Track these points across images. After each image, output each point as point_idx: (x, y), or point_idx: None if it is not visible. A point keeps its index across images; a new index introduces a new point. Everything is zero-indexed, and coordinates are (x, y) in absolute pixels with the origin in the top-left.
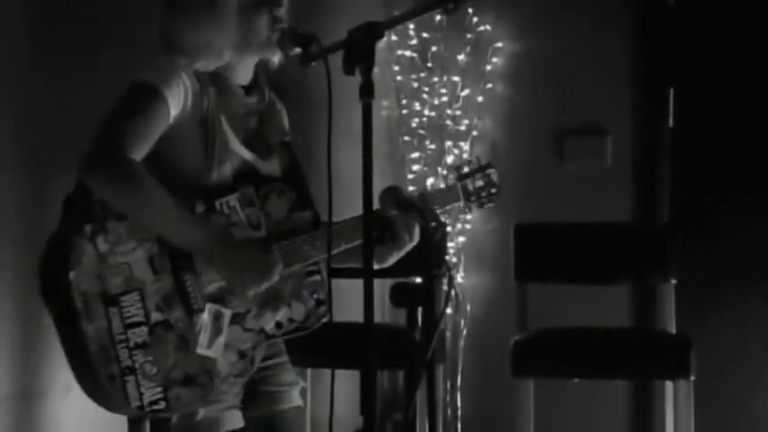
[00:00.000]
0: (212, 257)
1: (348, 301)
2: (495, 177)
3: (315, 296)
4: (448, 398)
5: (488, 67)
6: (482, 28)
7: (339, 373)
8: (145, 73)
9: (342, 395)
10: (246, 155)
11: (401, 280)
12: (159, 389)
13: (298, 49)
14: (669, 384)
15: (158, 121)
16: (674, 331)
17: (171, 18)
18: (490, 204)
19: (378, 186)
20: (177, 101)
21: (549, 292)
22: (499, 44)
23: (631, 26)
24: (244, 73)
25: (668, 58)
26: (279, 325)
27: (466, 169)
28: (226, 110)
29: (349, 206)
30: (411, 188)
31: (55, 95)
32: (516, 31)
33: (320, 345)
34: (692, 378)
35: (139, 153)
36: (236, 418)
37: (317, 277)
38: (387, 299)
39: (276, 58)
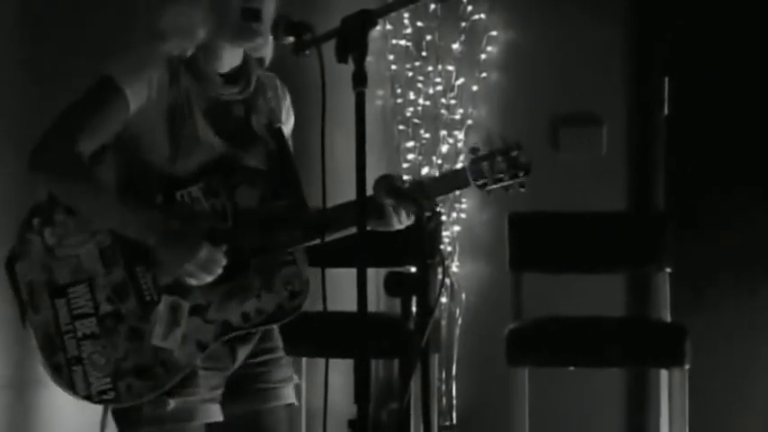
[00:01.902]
0: (152, 243)
1: (342, 291)
2: (523, 159)
3: (289, 288)
4: (443, 387)
5: (483, 56)
6: (477, 17)
7: (333, 362)
8: (110, 66)
9: (336, 384)
10: (219, 146)
11: (395, 269)
12: (107, 379)
13: (291, 38)
14: (664, 373)
15: (113, 116)
16: (668, 320)
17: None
18: (522, 189)
19: (372, 176)
20: (139, 95)
21: (544, 281)
22: (494, 33)
23: (626, 14)
24: (225, 60)
25: (663, 46)
26: (246, 317)
27: (483, 151)
28: (201, 98)
29: (343, 195)
30: (406, 177)
31: (47, 94)
32: (511, 20)
33: (314, 334)
34: (687, 366)
35: (89, 145)
36: (213, 412)
37: (293, 267)
38: (381, 288)
39: (269, 52)
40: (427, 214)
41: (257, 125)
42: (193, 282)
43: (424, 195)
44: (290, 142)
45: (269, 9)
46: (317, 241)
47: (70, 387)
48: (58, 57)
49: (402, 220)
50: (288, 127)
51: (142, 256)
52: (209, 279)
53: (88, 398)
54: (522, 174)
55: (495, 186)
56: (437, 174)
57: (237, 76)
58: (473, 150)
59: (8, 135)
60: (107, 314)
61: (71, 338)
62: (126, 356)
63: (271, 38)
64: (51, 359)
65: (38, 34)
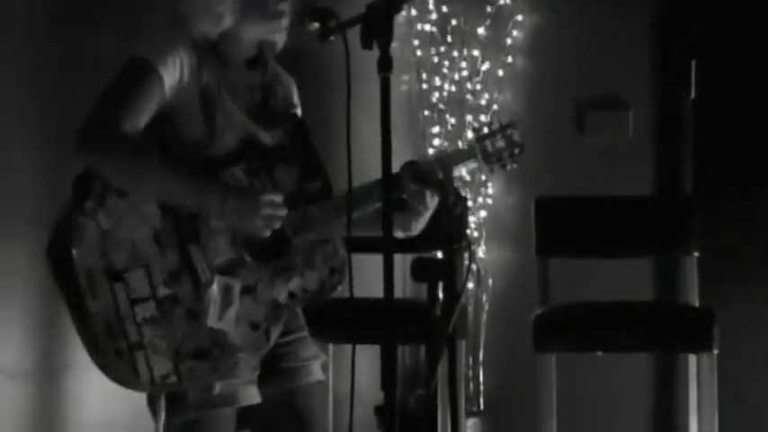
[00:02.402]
0: (217, 212)
1: (368, 276)
2: (516, 137)
3: (328, 264)
4: (470, 373)
5: (509, 41)
6: (502, 1)
7: (360, 348)
8: (140, 48)
9: (363, 370)
10: (251, 127)
11: (422, 254)
12: (170, 363)
13: (316, 24)
14: (692, 358)
15: (151, 95)
16: (697, 304)
17: None
18: (514, 165)
19: (398, 162)
20: (172, 75)
21: (570, 265)
22: (519, 17)
23: None
24: (245, 47)
25: (690, 29)
26: (292, 295)
27: (485, 130)
28: (227, 82)
29: (369, 180)
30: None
31: (72, 76)
32: (536, 4)
33: (341, 320)
34: (716, 351)
35: (133, 126)
36: (253, 394)
37: (330, 246)
38: (408, 273)
39: (280, 40)
40: (452, 198)
41: (275, 109)
42: (266, 232)
43: (448, 178)
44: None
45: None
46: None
47: (133, 372)
48: (81, 38)
49: (427, 204)
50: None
51: (195, 237)
52: (277, 225)
53: (151, 382)
54: (517, 150)
55: (497, 164)
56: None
57: (255, 62)
58: (476, 130)
59: (34, 117)
60: (165, 297)
61: (131, 324)
62: (185, 339)
63: (285, 22)
64: (113, 345)
65: (66, 37)
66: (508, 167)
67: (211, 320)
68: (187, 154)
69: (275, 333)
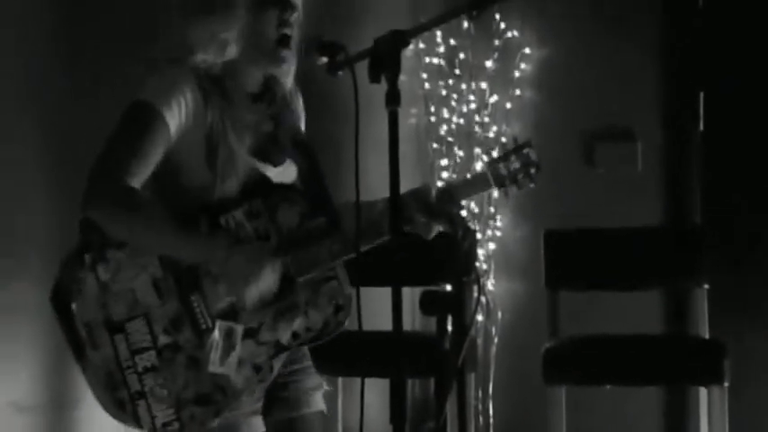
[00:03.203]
0: (213, 265)
1: (377, 309)
2: (533, 156)
3: (333, 302)
4: (480, 405)
5: (517, 74)
6: (510, 34)
7: (369, 381)
8: (143, 91)
9: (372, 403)
10: (256, 164)
11: (431, 288)
12: (171, 410)
13: (324, 58)
14: (703, 391)
15: (158, 144)
16: (707, 337)
17: (178, 11)
18: (531, 185)
19: None
20: (177, 118)
21: (580, 298)
22: (527, 50)
23: (660, 30)
24: (251, 80)
25: (698, 61)
26: (295, 335)
27: (498, 153)
28: (232, 119)
29: None
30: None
31: (85, 107)
32: (544, 37)
33: (350, 353)
34: (726, 384)
35: (140, 176)
36: (256, 425)
37: (335, 283)
38: (416, 306)
39: (288, 81)
40: (460, 232)
41: (284, 140)
42: (248, 314)
43: (456, 213)
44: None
45: (295, 35)
46: (354, 254)
47: (135, 421)
48: (95, 67)
49: (431, 229)
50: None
51: (195, 285)
52: (262, 298)
53: (153, 430)
54: (533, 170)
55: (513, 186)
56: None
57: (262, 94)
58: (487, 153)
59: (47, 146)
60: (165, 346)
61: (132, 373)
62: (186, 386)
63: (292, 69)
64: (114, 395)
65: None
66: (524, 188)
67: (213, 366)
68: (188, 198)
69: (278, 365)
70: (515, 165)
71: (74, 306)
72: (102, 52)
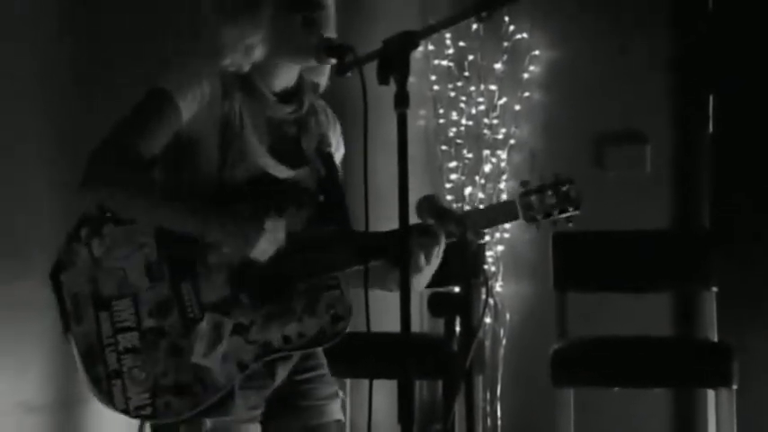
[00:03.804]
0: (212, 234)
1: (386, 311)
2: (573, 194)
3: (331, 311)
4: (488, 407)
5: (525, 76)
6: (519, 36)
7: (377, 382)
8: (166, 79)
9: (380, 405)
10: (269, 162)
11: (439, 289)
12: (146, 395)
13: (333, 60)
14: (711, 393)
15: (165, 127)
16: (715, 339)
17: (208, 15)
18: (570, 225)
19: (415, 196)
20: (190, 107)
21: (588, 300)
22: (536, 52)
23: (669, 32)
24: (280, 80)
25: (707, 63)
26: (287, 339)
27: (533, 184)
28: (253, 115)
29: (386, 216)
30: (449, 197)
31: (90, 105)
32: (553, 39)
33: (358, 354)
34: (735, 387)
35: (142, 154)
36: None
37: (337, 292)
38: (425, 308)
39: (324, 80)
40: (469, 235)
41: (307, 147)
42: (265, 256)
43: (469, 218)
44: (340, 170)
45: (327, 31)
46: (360, 267)
47: (109, 400)
48: (107, 71)
49: (430, 260)
50: (338, 156)
51: (188, 273)
52: (272, 249)
53: (125, 412)
54: (571, 209)
55: (543, 220)
56: (483, 205)
57: (291, 96)
58: (523, 183)
59: (58, 148)
60: (149, 329)
61: (112, 352)
62: (166, 373)
63: (328, 66)
64: (91, 371)
65: (82, 38)
66: (560, 226)
67: (196, 357)
68: (198, 184)
69: (283, 372)
70: (551, 200)
71: (62, 277)
72: (109, 52)
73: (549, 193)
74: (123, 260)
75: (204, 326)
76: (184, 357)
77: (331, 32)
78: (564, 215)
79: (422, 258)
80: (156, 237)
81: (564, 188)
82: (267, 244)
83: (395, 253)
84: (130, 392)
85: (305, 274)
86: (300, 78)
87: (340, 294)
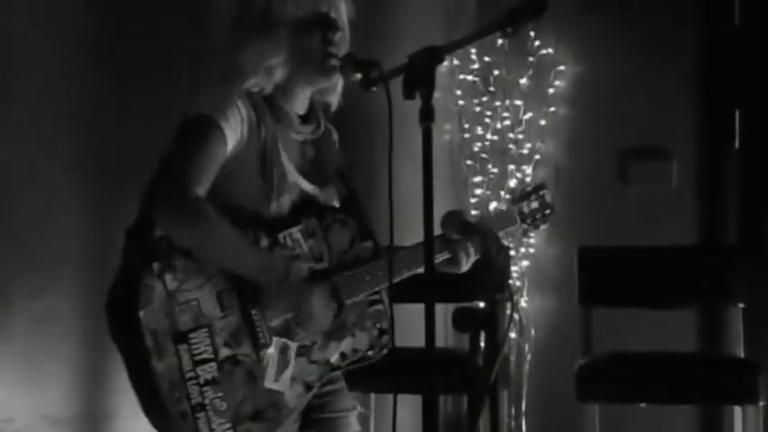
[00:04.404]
0: (273, 287)
1: (410, 326)
2: (548, 198)
3: (377, 325)
4: (512, 423)
5: (551, 90)
6: (544, 51)
7: (402, 397)
8: (200, 105)
9: (405, 420)
10: (305, 185)
11: (464, 304)
12: (229, 424)
13: (358, 75)
14: (738, 410)
15: (218, 153)
16: (742, 356)
17: (229, 38)
18: (544, 225)
19: (441, 211)
20: (234, 131)
21: (614, 315)
22: (561, 67)
23: (696, 47)
24: (299, 102)
25: (736, 77)
26: (343, 356)
27: (519, 192)
28: (283, 138)
29: (411, 230)
30: (474, 212)
31: (119, 120)
32: (579, 54)
33: (382, 369)
34: (762, 403)
35: (203, 187)
36: None
37: (380, 306)
38: (449, 323)
39: (335, 99)
40: (494, 249)
41: (327, 167)
42: (303, 332)
43: (490, 230)
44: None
45: (343, 48)
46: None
47: None
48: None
49: (469, 258)
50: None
51: (256, 299)
52: (318, 329)
53: None
54: (548, 211)
55: (530, 223)
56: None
57: (307, 117)
58: (512, 192)
59: (82, 160)
60: (226, 358)
61: (194, 385)
62: (244, 401)
63: (339, 85)
64: (176, 407)
65: (109, 48)
66: (540, 228)
67: (269, 382)
68: (243, 216)
69: (317, 386)
70: (534, 205)
71: (141, 314)
72: (137, 67)
73: (533, 198)
74: (195, 291)
75: (272, 351)
76: (258, 383)
77: (346, 50)
78: (543, 218)
79: (464, 259)
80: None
81: (541, 193)
82: (309, 319)
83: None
84: (214, 424)
85: (355, 291)
86: (312, 100)
87: (383, 309)
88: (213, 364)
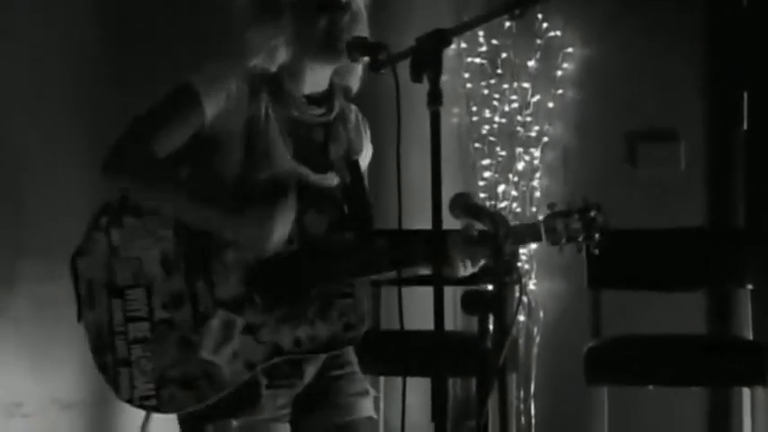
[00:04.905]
0: (229, 227)
1: (419, 309)
2: (600, 220)
3: (344, 319)
4: (521, 405)
5: (559, 73)
6: (552, 33)
7: (411, 380)
8: (194, 76)
9: (414, 402)
10: (294, 166)
11: (473, 287)
12: (152, 385)
13: (366, 58)
14: (746, 391)
15: (187, 124)
16: (751, 338)
17: (234, 19)
18: (596, 251)
19: (449, 193)
20: (215, 104)
21: (622, 298)
22: (569, 49)
23: (704, 29)
24: (310, 83)
25: (742, 60)
26: (297, 342)
27: (560, 207)
28: (280, 117)
29: (419, 213)
30: (482, 195)
31: (127, 108)
32: (586, 36)
33: (392, 352)
34: None
35: (162, 149)
36: (281, 431)
37: (350, 300)
38: (458, 306)
39: (356, 83)
40: (503, 231)
41: (334, 154)
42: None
43: (499, 213)
44: (365, 175)
45: (354, 31)
46: (377, 276)
47: (114, 388)
48: (135, 65)
49: (467, 267)
50: (365, 160)
51: (204, 269)
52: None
53: (130, 401)
54: (597, 235)
55: (567, 244)
56: (516, 203)
57: (321, 99)
58: (550, 206)
59: (86, 145)
60: (161, 321)
61: (122, 340)
62: (173, 365)
63: (360, 68)
64: (100, 358)
65: (115, 38)
66: (582, 251)
67: (205, 352)
68: (221, 183)
69: (311, 370)
70: (575, 225)
71: (79, 262)
72: (144, 52)
73: (576, 217)
74: (140, 251)
75: (215, 322)
76: (193, 352)
77: (363, 33)
78: (589, 241)
79: (461, 267)
80: (175, 230)
81: (591, 214)
82: (282, 228)
83: (426, 258)
84: (136, 381)
85: (319, 279)
86: (332, 82)
87: (353, 303)
88: (146, 324)
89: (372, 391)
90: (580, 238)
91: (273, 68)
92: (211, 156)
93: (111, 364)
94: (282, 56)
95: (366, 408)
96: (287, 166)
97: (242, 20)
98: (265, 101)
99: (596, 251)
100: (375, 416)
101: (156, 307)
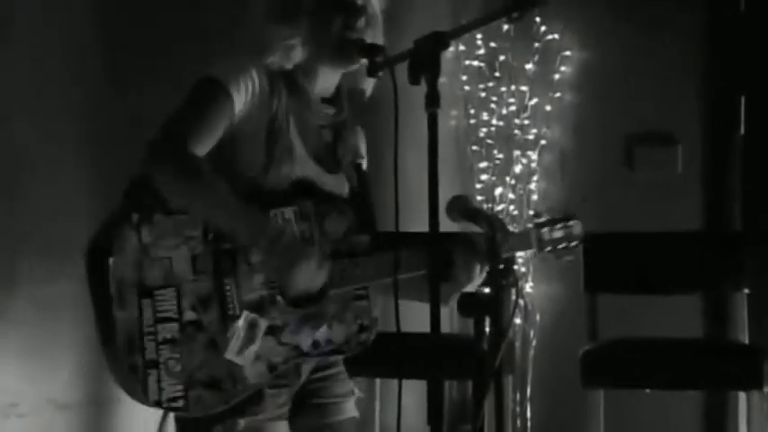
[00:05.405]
0: (262, 245)
1: (415, 311)
2: (577, 230)
3: (358, 321)
4: (517, 408)
5: (556, 76)
6: (550, 36)
7: (407, 383)
8: (214, 69)
9: (409, 405)
10: (311, 166)
11: (469, 290)
12: (180, 387)
13: (364, 60)
14: (742, 395)
15: (222, 117)
16: (746, 341)
17: (253, 11)
18: (569, 258)
19: (446, 196)
20: (242, 98)
21: (619, 301)
22: (567, 53)
23: (701, 33)
24: (321, 84)
25: (739, 64)
26: (316, 344)
27: (545, 218)
28: (297, 116)
29: (416, 216)
30: (480, 197)
31: (127, 106)
32: (584, 40)
33: (387, 355)
34: (766, 389)
35: (203, 148)
36: (280, 429)
37: (365, 302)
38: (454, 308)
39: (370, 86)
40: (499, 235)
41: (342, 156)
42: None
43: (496, 216)
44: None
45: (369, 35)
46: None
47: (143, 390)
48: (137, 60)
49: (471, 277)
50: (364, 166)
51: (231, 270)
52: (300, 289)
53: (158, 403)
54: (574, 244)
55: (549, 250)
56: (513, 206)
57: (330, 100)
58: (536, 215)
59: (90, 141)
60: (189, 322)
61: (151, 341)
62: (201, 366)
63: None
64: (129, 359)
65: (115, 37)
66: (560, 259)
67: (230, 353)
68: (240, 185)
69: (306, 369)
70: (557, 234)
71: (111, 261)
72: (144, 51)
73: (558, 226)
74: (170, 250)
75: (240, 324)
76: (219, 353)
77: (377, 38)
78: (567, 250)
79: (463, 274)
80: (204, 230)
81: (569, 224)
82: (309, 280)
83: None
84: (164, 383)
85: (339, 282)
86: (340, 84)
87: (367, 305)
88: (175, 325)
89: (357, 392)
90: (560, 247)
91: (290, 66)
92: (231, 159)
93: (140, 365)
94: (298, 55)
95: (350, 409)
96: (306, 165)
97: (260, 17)
98: (284, 98)
99: (570, 258)
100: (357, 415)
101: (185, 308)
